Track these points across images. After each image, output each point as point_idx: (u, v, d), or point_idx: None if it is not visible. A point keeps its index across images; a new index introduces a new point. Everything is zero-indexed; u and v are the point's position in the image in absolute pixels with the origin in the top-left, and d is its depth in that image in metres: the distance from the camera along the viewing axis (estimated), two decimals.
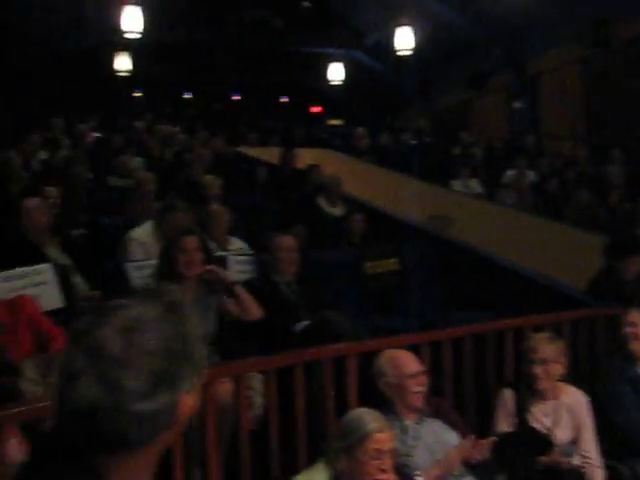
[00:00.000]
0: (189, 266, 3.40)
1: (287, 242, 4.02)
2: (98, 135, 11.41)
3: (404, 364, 3.00)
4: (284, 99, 21.18)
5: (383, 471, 2.44)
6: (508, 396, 3.31)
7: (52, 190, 5.09)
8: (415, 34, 12.30)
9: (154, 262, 3.70)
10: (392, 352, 3.07)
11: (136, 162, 7.77)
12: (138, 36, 11.88)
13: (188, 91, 20.82)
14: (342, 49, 16.38)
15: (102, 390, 0.96)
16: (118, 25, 11.82)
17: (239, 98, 21.01)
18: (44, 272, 3.82)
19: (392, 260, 4.91)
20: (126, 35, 11.73)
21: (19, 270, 3.70)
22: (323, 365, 2.97)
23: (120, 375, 0.97)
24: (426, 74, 15.42)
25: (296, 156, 8.81)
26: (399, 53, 12.51)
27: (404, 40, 12.33)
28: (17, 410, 2.19)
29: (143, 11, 11.67)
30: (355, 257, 4.89)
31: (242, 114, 17.86)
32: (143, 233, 4.54)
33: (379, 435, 2.48)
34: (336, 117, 19.38)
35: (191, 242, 3.47)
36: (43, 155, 8.80)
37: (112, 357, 0.97)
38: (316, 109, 20.61)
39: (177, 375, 1.01)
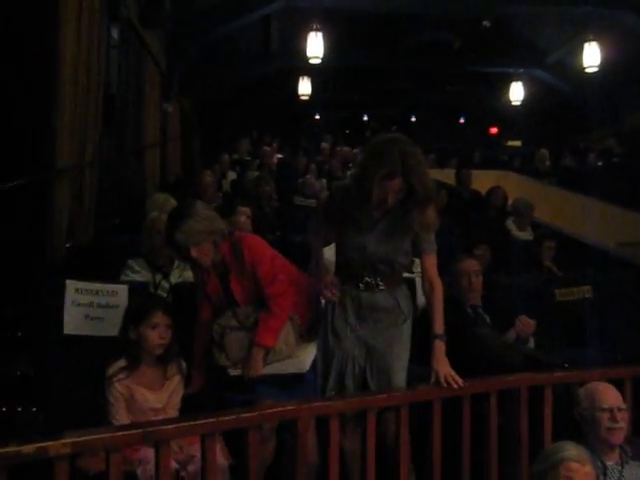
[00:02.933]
0: None
1: (473, 266, 3.94)
2: (281, 157, 11.94)
3: (600, 396, 2.84)
4: (462, 120, 20.97)
5: None
6: None
7: (246, 209, 5.30)
8: (602, 49, 11.72)
9: None
10: (592, 383, 2.93)
11: (320, 183, 8.02)
12: (319, 61, 12.28)
13: (366, 113, 21.21)
14: (522, 68, 15.94)
15: None
16: (301, 51, 12.31)
17: (416, 119, 21.07)
18: None
19: (585, 287, 4.67)
20: (310, 61, 12.15)
21: None
22: (518, 394, 2.88)
23: None
24: (614, 91, 14.60)
25: (471, 176, 8.70)
26: (586, 70, 11.94)
27: (591, 56, 11.78)
28: (222, 419, 2.29)
29: (324, 37, 12.05)
30: (545, 283, 4.71)
31: (419, 135, 17.89)
32: (331, 253, 4.61)
33: (574, 464, 2.33)
34: (515, 138, 18.86)
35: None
36: (232, 176, 9.34)
37: None
38: (494, 130, 20.19)
39: None
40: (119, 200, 8.52)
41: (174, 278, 4.24)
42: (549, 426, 2.93)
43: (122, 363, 2.89)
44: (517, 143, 18.60)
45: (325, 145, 12.88)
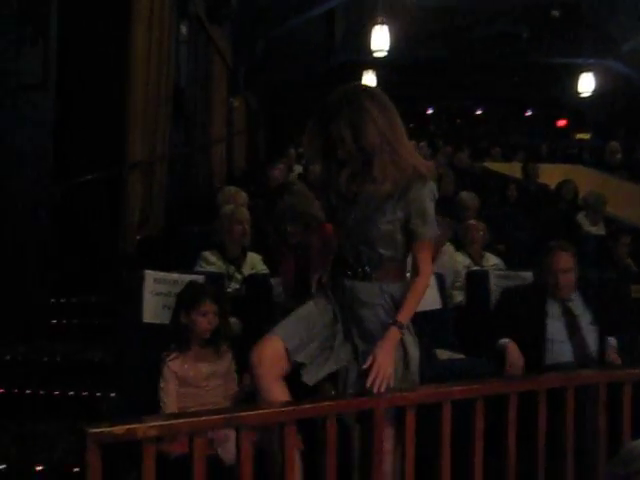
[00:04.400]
0: None
1: (564, 262, 3.80)
2: None
3: None
4: (528, 112, 20.57)
5: None
6: None
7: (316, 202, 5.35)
8: None
9: None
10: None
11: None
12: (385, 54, 12.24)
13: (431, 106, 21.04)
14: (593, 58, 15.53)
15: None
16: (366, 45, 12.29)
17: (482, 112, 20.77)
18: None
19: None
20: (375, 54, 12.12)
21: None
22: (597, 390, 2.83)
23: None
24: None
25: (538, 170, 8.57)
26: None
27: None
28: (301, 407, 2.33)
29: (389, 30, 11.99)
30: (620, 279, 4.59)
31: (485, 129, 17.64)
32: None
33: None
34: (584, 130, 18.39)
35: None
36: (298, 169, 9.42)
37: None
38: (562, 122, 19.73)
39: None
40: (187, 193, 8.72)
41: (246, 270, 4.34)
42: (628, 423, 2.87)
43: (174, 346, 3.15)
44: (586, 136, 18.13)
45: None
